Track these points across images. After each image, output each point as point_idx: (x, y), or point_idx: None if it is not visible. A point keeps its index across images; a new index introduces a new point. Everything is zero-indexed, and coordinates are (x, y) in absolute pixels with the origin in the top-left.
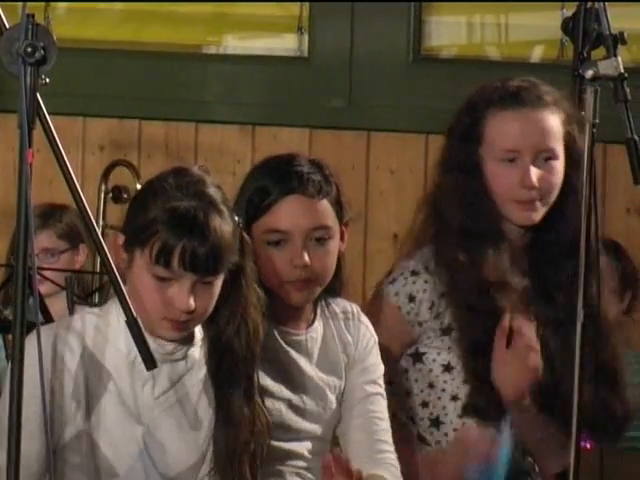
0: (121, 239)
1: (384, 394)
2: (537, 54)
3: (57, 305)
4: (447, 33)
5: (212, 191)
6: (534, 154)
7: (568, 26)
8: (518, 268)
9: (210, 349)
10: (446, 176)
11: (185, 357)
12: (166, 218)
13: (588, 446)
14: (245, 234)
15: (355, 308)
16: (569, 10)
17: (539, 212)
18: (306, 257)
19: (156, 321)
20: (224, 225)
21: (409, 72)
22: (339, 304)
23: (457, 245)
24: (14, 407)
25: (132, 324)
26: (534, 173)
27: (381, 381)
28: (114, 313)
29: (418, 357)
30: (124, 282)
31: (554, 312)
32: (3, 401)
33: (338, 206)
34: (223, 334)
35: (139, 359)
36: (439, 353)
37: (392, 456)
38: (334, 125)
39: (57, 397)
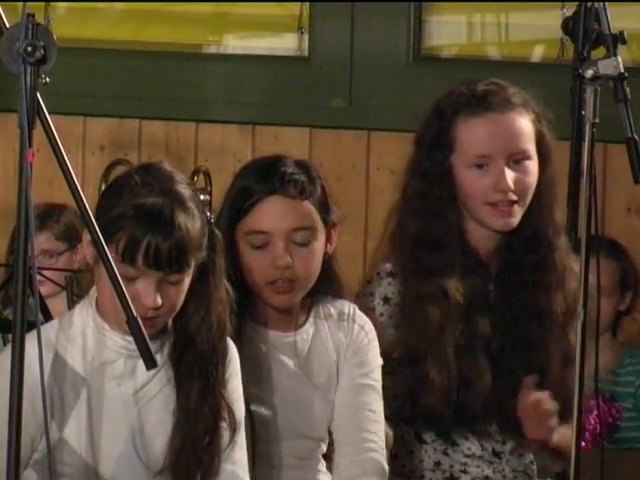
0: (88, 235)
1: (377, 388)
2: (537, 54)
3: (57, 305)
4: (447, 33)
5: (180, 187)
6: (506, 157)
7: (568, 25)
8: (483, 273)
9: (174, 343)
10: (410, 183)
11: (159, 350)
12: (132, 214)
13: (583, 444)
14: (215, 229)
15: (352, 309)
16: (569, 10)
17: (517, 216)
18: (288, 258)
19: (123, 318)
20: (190, 222)
21: (409, 72)
22: (337, 306)
23: (412, 254)
24: (14, 407)
25: (132, 323)
26: (509, 176)
27: (375, 375)
28: (83, 315)
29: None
30: (86, 277)
31: (512, 312)
32: None
33: (323, 208)
34: (187, 328)
35: (111, 358)
36: None
37: (377, 447)
38: (334, 125)
39: (29, 412)
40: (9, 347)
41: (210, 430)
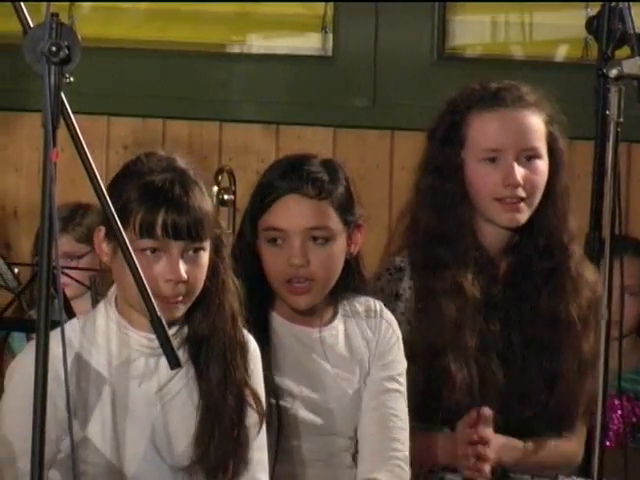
0: (102, 231)
1: (403, 392)
2: (561, 53)
3: (82, 306)
4: (471, 32)
5: (183, 164)
6: (516, 153)
7: (592, 25)
8: (492, 272)
9: (190, 337)
10: (423, 178)
11: (182, 346)
12: (142, 192)
13: (608, 443)
14: (222, 224)
15: (378, 305)
16: (593, 9)
17: (524, 214)
18: (302, 257)
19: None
20: (200, 194)
21: (433, 71)
22: (362, 302)
23: (425, 248)
24: (38, 408)
25: (156, 323)
26: (518, 171)
27: (401, 378)
28: (102, 314)
29: None
30: (110, 277)
31: (523, 315)
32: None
33: (344, 208)
34: (202, 320)
35: (132, 357)
36: None
37: (402, 455)
38: (358, 124)
39: (51, 411)
40: (29, 348)
41: (237, 420)
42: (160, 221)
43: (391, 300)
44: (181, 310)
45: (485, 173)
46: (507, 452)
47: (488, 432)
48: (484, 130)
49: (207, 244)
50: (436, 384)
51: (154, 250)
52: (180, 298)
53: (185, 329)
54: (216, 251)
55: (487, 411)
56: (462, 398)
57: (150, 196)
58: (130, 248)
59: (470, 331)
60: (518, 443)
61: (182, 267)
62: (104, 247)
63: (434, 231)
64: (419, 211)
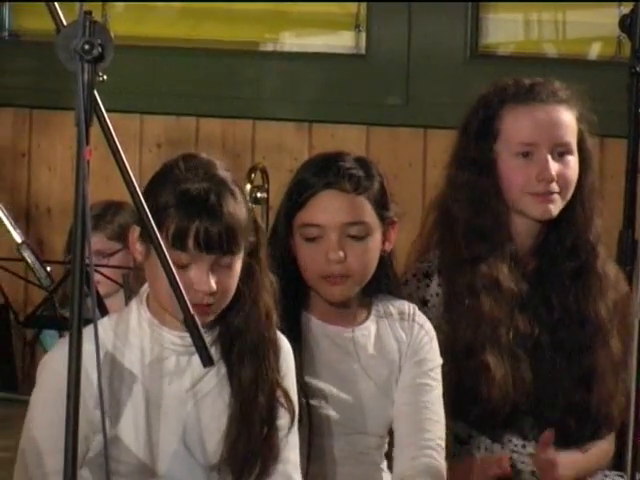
0: (136, 231)
1: (435, 385)
2: (594, 51)
3: (115, 304)
4: (504, 30)
5: (222, 173)
6: (551, 147)
7: (625, 23)
8: (521, 270)
9: (222, 335)
10: (458, 173)
11: (214, 344)
12: (177, 201)
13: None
14: (258, 219)
15: (412, 309)
16: (626, 7)
17: (557, 205)
18: (340, 252)
19: (178, 307)
20: (236, 205)
21: (466, 69)
22: (396, 306)
23: (461, 243)
24: (71, 407)
25: (189, 322)
26: (552, 166)
27: (433, 373)
28: (134, 313)
29: None
30: (143, 275)
31: (551, 314)
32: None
33: (380, 204)
34: (234, 319)
35: (164, 355)
36: None
37: (434, 444)
38: (391, 122)
39: (81, 409)
40: (59, 344)
41: (267, 419)
42: (192, 234)
43: (418, 306)
44: (211, 316)
45: (518, 167)
46: (568, 468)
47: (554, 453)
48: (518, 124)
49: (240, 254)
50: (472, 381)
51: (185, 262)
52: (209, 306)
53: (217, 327)
54: (250, 253)
55: (550, 434)
56: (499, 394)
57: (185, 207)
58: (165, 249)
59: (505, 327)
60: (575, 457)
61: (212, 279)
62: (138, 247)
63: (472, 226)
64: (454, 206)
